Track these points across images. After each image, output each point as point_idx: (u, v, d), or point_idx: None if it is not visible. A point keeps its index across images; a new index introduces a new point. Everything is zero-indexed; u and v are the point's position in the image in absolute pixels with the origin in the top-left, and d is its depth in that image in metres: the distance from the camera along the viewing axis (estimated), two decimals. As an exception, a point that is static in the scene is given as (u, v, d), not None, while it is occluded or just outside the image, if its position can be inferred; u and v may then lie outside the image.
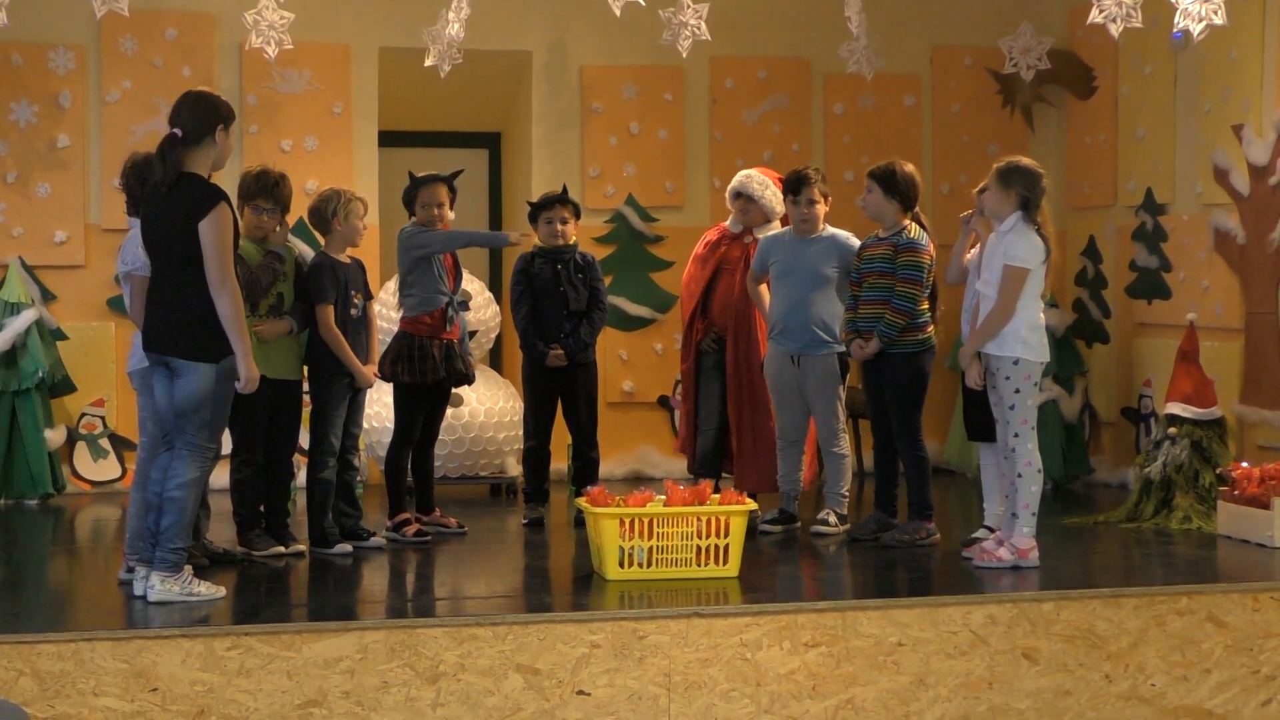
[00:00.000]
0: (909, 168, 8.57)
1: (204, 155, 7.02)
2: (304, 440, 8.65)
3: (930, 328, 8.53)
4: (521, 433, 9.91)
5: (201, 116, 7.03)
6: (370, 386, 8.51)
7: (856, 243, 8.85)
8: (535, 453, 9.33)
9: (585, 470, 9.29)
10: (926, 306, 8.50)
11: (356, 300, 8.38)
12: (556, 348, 9.13)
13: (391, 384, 8.83)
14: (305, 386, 8.37)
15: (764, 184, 9.33)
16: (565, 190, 9.33)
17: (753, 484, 9.14)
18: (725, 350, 9.32)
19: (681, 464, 9.97)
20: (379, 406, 10.24)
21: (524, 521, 9.24)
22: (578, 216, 9.32)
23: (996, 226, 7.81)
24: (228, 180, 8.50)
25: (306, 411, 8.46)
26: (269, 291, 8.09)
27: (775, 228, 9.33)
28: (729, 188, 9.45)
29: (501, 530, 9.35)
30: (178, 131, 6.98)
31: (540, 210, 9.26)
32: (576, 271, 9.22)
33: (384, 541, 8.53)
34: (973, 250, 8.29)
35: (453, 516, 9.05)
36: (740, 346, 9.28)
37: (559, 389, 9.26)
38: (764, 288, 9.09)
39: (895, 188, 8.49)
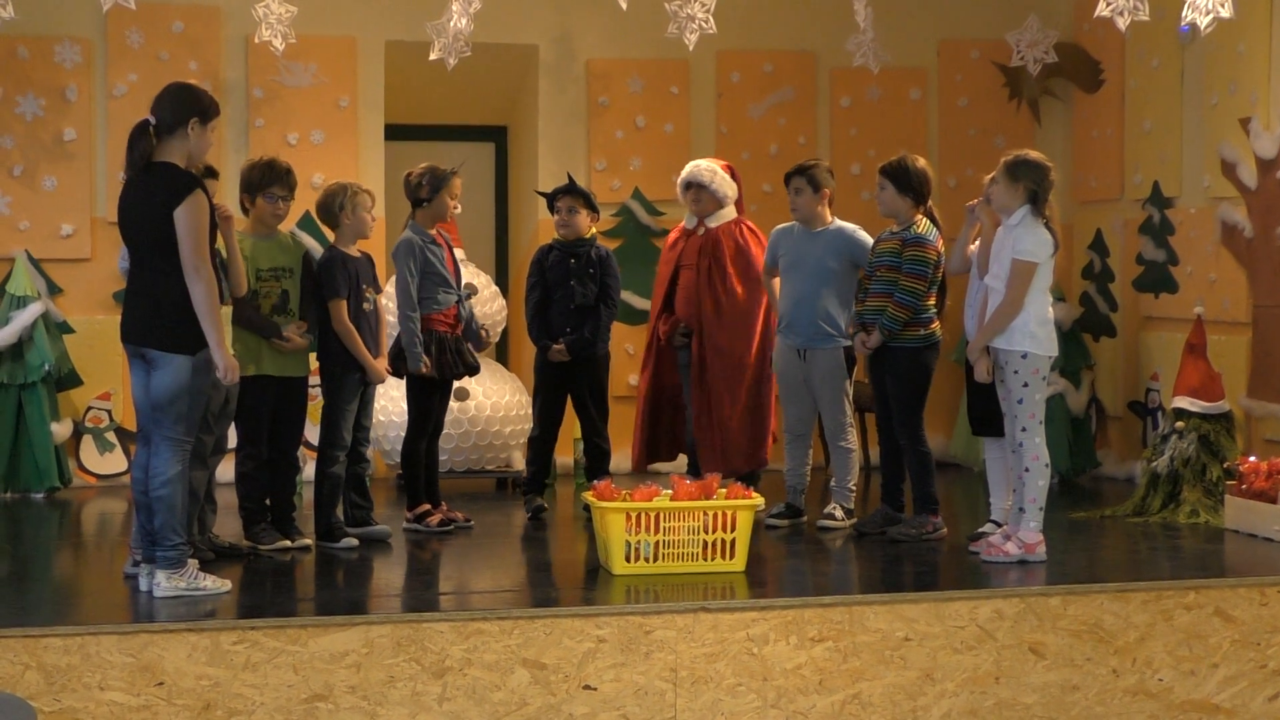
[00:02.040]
0: (921, 162, 8.55)
1: (178, 146, 6.95)
2: (310, 435, 8.66)
3: (935, 324, 8.51)
4: (528, 426, 9.94)
5: (177, 107, 6.96)
6: (383, 381, 8.52)
7: (864, 236, 8.85)
8: (537, 442, 9.36)
9: (596, 460, 9.31)
10: (933, 302, 8.49)
11: (368, 294, 8.38)
12: (559, 342, 9.15)
13: (405, 377, 8.83)
14: (311, 381, 8.37)
15: (712, 170, 9.40)
16: (571, 180, 9.34)
17: (713, 466, 9.10)
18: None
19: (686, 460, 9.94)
20: (385, 401, 10.24)
21: (528, 515, 9.24)
22: (591, 208, 9.30)
23: (1004, 220, 7.80)
24: (229, 175, 8.53)
25: (312, 406, 8.46)
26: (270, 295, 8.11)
27: (729, 213, 9.37)
28: (679, 180, 9.52)
29: (507, 524, 9.34)
30: (151, 120, 6.95)
31: (550, 201, 9.29)
32: (588, 266, 9.23)
33: (388, 529, 8.54)
34: (975, 242, 8.28)
35: (459, 510, 9.05)
36: (704, 339, 9.31)
37: (567, 382, 9.28)
38: (777, 281, 9.10)
39: (908, 184, 8.47)
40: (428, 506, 8.84)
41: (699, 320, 9.35)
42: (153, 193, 6.87)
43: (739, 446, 9.30)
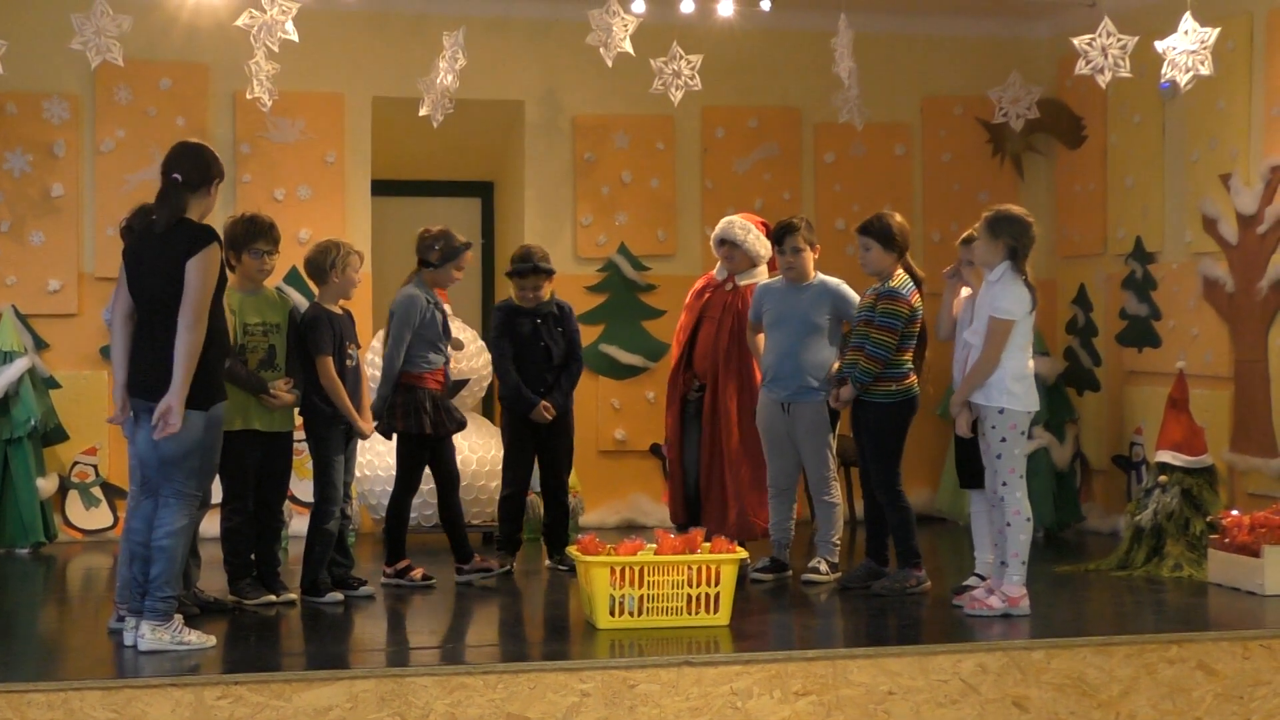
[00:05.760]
0: (898, 217, 8.59)
1: (197, 204, 7.05)
2: (295, 489, 8.64)
3: (910, 378, 8.52)
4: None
5: (202, 166, 7.09)
6: (367, 436, 8.53)
7: (848, 290, 8.88)
8: (511, 500, 9.34)
9: (559, 523, 9.38)
10: (909, 357, 8.50)
11: (350, 351, 8.40)
12: (546, 404, 9.15)
13: (394, 435, 8.85)
14: (296, 437, 8.37)
15: (746, 229, 9.36)
16: (533, 262, 9.25)
17: (713, 529, 9.05)
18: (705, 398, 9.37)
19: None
20: (371, 455, 10.24)
21: (494, 571, 9.14)
22: (551, 279, 9.33)
23: (985, 274, 7.84)
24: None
25: (297, 461, 8.46)
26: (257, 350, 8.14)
27: (761, 273, 9.38)
28: (713, 235, 9.50)
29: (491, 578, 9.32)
30: (178, 176, 7.01)
31: (514, 276, 9.27)
32: (555, 324, 9.25)
33: (374, 591, 8.53)
34: (957, 302, 8.32)
35: (493, 559, 9.06)
36: (718, 394, 9.30)
37: (539, 438, 9.26)
38: (761, 337, 9.11)
39: (892, 241, 8.50)
40: (409, 562, 8.83)
41: (714, 376, 9.33)
42: (171, 246, 6.91)
43: (749, 509, 9.23)
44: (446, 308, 9.77)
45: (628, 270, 11.56)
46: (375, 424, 8.65)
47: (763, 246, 9.36)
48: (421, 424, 8.69)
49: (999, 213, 7.83)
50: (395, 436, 8.82)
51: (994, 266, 7.77)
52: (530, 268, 9.24)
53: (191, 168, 7.06)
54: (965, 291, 8.27)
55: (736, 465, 9.23)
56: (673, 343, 9.69)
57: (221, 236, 8.18)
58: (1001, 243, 7.74)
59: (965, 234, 8.20)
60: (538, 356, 9.24)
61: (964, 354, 8.03)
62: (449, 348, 8.93)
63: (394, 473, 10.12)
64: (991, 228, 7.78)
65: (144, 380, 6.99)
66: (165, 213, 7.00)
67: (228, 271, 8.09)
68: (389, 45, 11.16)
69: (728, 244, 9.38)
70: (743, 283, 9.37)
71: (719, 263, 9.51)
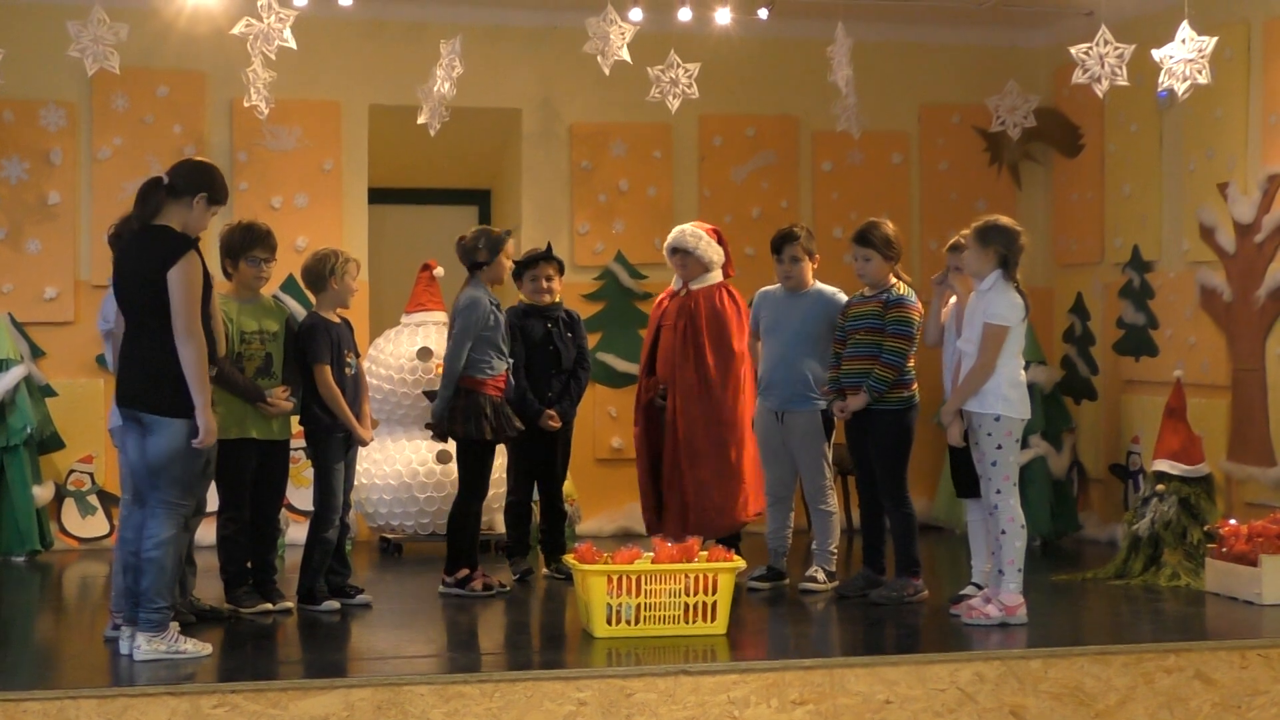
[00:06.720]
0: (890, 225, 8.62)
1: (179, 212, 7.01)
2: (293, 497, 8.61)
3: (915, 385, 8.55)
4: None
5: (192, 177, 7.07)
6: (367, 444, 8.51)
7: (844, 299, 8.87)
8: (518, 507, 9.35)
9: (555, 529, 9.39)
10: (913, 363, 8.52)
11: (350, 359, 8.38)
12: (551, 412, 9.15)
13: (458, 441, 8.78)
14: (293, 444, 8.36)
15: (697, 236, 9.39)
16: (550, 248, 9.38)
17: (674, 532, 8.99)
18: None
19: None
20: (369, 464, 10.23)
21: (515, 577, 9.21)
22: (562, 273, 9.39)
23: (976, 285, 7.85)
24: (207, 242, 8.53)
25: (294, 469, 8.44)
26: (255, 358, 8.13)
27: (715, 277, 9.38)
28: (664, 246, 9.53)
29: (489, 587, 9.32)
30: (164, 178, 7.01)
31: (525, 268, 9.30)
32: (566, 329, 9.28)
33: (370, 599, 8.51)
34: (945, 309, 8.32)
35: (496, 576, 9.01)
36: (678, 400, 9.30)
37: (542, 444, 9.26)
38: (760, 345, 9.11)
39: (891, 249, 8.52)
40: (468, 570, 8.78)
41: (673, 381, 9.36)
42: (148, 255, 6.90)
43: (701, 512, 9.19)
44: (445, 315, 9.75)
45: (624, 278, 11.56)
46: (432, 428, 8.72)
47: (715, 253, 9.42)
48: (482, 429, 8.64)
49: (988, 223, 7.87)
50: (457, 444, 8.81)
51: (984, 276, 7.79)
52: (542, 255, 9.29)
53: (185, 176, 7.06)
54: (953, 299, 8.29)
55: (699, 464, 9.22)
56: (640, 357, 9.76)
57: (218, 244, 8.25)
58: (992, 251, 7.76)
59: (952, 240, 8.21)
60: (546, 360, 9.25)
61: (955, 361, 8.04)
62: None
63: (390, 481, 10.18)
64: (981, 237, 7.81)
65: (129, 389, 6.98)
66: (138, 210, 7.01)
67: (224, 278, 8.13)
68: (386, 53, 11.16)
69: (680, 253, 9.41)
70: (696, 287, 9.39)
71: (675, 274, 9.55)
